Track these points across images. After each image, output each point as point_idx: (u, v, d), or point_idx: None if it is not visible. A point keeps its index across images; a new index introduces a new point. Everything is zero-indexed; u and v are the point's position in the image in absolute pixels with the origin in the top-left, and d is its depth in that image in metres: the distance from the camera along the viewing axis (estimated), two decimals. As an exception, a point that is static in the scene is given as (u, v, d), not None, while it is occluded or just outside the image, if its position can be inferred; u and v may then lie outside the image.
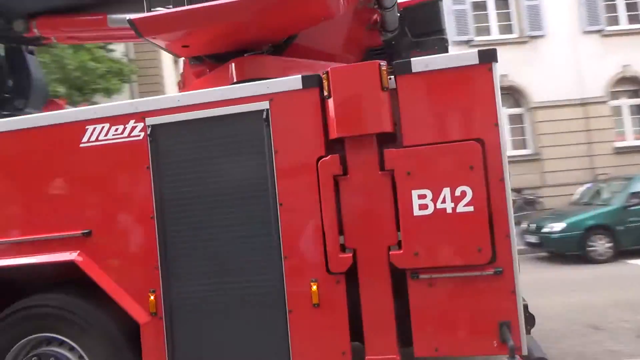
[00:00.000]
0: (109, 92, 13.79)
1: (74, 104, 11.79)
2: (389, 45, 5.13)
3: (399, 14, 4.97)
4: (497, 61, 3.57)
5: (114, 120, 4.02)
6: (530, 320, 3.73)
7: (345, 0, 4.22)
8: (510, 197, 3.54)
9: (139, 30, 4.10)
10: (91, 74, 12.98)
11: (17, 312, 4.09)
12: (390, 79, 3.67)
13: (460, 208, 3.49)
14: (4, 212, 4.25)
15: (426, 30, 5.12)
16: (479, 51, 3.59)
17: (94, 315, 3.99)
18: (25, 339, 4.10)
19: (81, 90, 13.43)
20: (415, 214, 3.55)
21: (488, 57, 3.57)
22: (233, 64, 4.44)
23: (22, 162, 4.23)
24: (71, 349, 4.05)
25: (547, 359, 3.66)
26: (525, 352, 3.51)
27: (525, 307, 3.65)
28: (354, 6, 4.64)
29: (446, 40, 5.16)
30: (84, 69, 12.76)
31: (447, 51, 5.04)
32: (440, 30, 5.13)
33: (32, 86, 5.62)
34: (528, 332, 3.67)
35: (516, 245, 3.57)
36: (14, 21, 5.33)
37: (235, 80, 4.34)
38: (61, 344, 4.07)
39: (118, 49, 16.30)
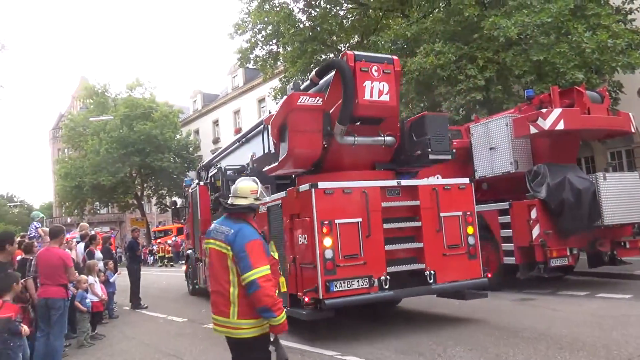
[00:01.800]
0: (630, 67, 13.03)
1: (592, 87, 11.86)
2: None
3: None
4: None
5: None
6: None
7: None
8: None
9: None
10: (609, 53, 12.64)
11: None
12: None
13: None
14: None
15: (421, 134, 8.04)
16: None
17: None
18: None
19: (598, 71, 13.30)
20: None
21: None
22: None
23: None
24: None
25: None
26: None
27: None
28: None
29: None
30: (602, 48, 12.55)
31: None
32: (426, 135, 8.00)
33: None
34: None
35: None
36: None
37: None
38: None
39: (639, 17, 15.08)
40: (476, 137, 11.00)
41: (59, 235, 7.10)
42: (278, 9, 20.37)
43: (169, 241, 34.66)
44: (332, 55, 20.68)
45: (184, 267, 15.97)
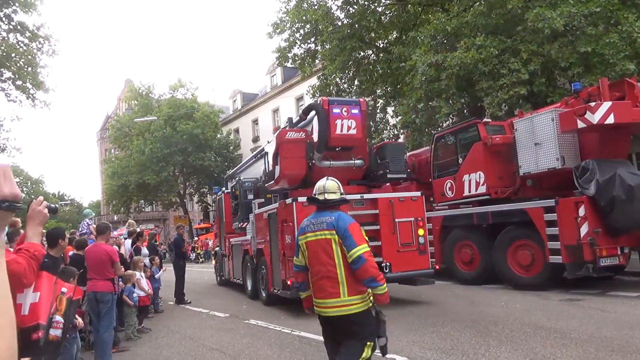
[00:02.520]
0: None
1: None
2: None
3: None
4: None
5: None
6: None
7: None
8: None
9: None
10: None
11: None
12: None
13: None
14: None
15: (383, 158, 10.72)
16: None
17: None
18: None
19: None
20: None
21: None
22: None
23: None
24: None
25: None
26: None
27: None
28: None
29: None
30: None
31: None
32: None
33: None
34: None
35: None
36: None
37: None
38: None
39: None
40: (520, 132, 10.70)
41: (106, 232, 7.34)
42: (316, 7, 20.42)
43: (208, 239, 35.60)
44: (370, 52, 20.59)
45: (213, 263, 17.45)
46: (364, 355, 3.88)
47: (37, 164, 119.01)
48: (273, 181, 10.83)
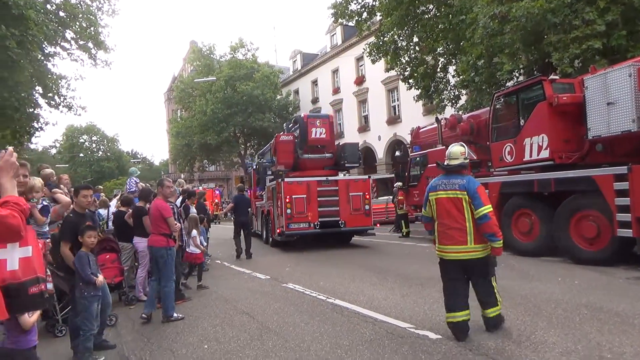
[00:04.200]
0: None
1: None
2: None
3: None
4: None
5: None
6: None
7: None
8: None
9: None
10: None
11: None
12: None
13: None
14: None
15: (343, 153, 15.70)
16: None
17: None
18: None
19: None
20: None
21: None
22: None
23: None
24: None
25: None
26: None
27: None
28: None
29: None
30: None
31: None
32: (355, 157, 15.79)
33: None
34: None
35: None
36: None
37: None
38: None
39: None
40: (591, 90, 9.54)
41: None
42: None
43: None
44: (431, 6, 19.28)
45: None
46: (495, 285, 5.34)
47: (112, 124, 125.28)
48: (274, 166, 16.28)
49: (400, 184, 17.93)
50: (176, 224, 7.33)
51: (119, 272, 7.88)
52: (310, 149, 15.47)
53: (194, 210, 11.76)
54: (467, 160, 5.43)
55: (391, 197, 20.70)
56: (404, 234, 17.24)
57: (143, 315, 7.04)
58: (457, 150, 5.39)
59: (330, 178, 14.68)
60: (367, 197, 14.64)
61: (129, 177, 12.87)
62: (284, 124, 17.27)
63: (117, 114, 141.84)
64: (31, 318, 3.40)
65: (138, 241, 8.49)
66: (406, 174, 17.12)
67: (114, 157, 77.57)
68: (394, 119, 34.02)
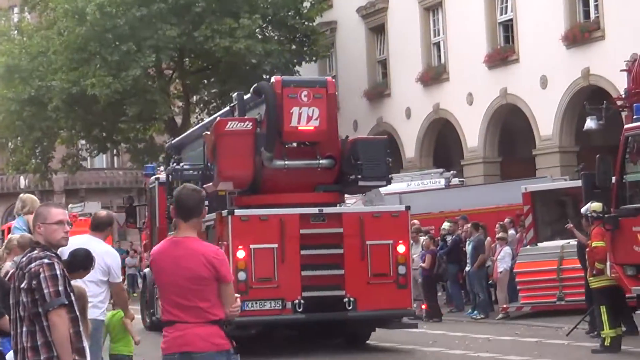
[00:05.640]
0: None
1: None
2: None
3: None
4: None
5: None
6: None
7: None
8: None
9: None
10: None
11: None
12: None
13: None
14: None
15: (357, 159, 8.68)
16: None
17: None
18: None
19: None
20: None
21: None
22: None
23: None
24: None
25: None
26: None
27: None
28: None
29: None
30: None
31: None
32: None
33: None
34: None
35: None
36: None
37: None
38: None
39: None
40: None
41: None
42: None
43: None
44: None
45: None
46: None
47: None
48: (211, 183, 8.94)
49: (596, 207, 8.01)
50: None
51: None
52: (289, 150, 8.93)
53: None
54: None
55: (573, 242, 10.22)
56: (607, 340, 7.83)
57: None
58: None
59: (327, 210, 8.68)
60: (405, 249, 8.62)
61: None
62: (234, 95, 9.85)
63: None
64: None
65: None
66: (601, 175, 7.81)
67: None
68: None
